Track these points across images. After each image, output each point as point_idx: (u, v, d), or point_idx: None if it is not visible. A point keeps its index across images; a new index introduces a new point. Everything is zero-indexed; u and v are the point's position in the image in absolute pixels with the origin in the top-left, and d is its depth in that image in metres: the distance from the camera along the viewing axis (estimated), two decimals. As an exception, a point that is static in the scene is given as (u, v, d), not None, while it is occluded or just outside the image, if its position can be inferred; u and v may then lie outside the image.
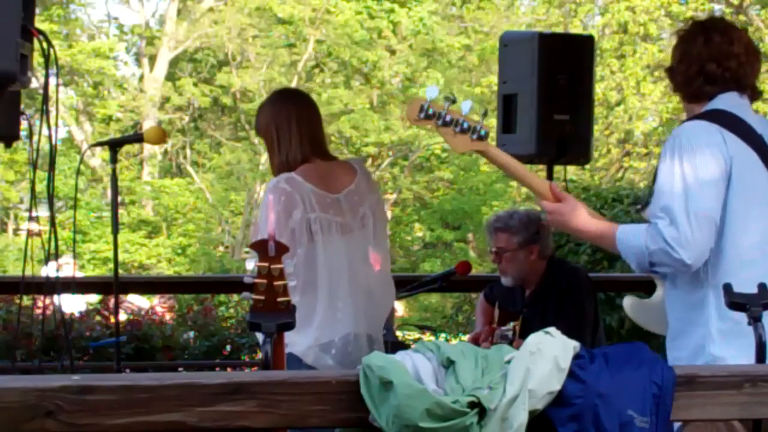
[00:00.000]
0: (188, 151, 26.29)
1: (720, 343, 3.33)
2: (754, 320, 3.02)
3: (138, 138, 5.02)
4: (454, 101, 3.35)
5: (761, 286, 3.13)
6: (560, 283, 5.20)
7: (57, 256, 3.87)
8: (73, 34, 26.40)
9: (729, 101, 3.51)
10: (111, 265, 4.83)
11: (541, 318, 4.98)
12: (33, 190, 3.91)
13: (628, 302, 3.72)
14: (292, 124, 4.29)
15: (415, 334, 8.49)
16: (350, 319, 4.16)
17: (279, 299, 2.72)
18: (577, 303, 5.13)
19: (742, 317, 2.98)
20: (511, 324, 5.21)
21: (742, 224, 3.38)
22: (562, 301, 5.12)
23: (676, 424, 3.08)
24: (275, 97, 4.50)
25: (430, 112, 3.31)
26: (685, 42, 3.58)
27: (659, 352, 2.93)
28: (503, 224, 5.26)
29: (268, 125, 4.32)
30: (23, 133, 4.57)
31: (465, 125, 3.33)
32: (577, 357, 2.74)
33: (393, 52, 25.43)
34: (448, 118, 3.32)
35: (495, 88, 6.95)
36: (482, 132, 3.33)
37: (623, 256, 3.43)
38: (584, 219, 3.46)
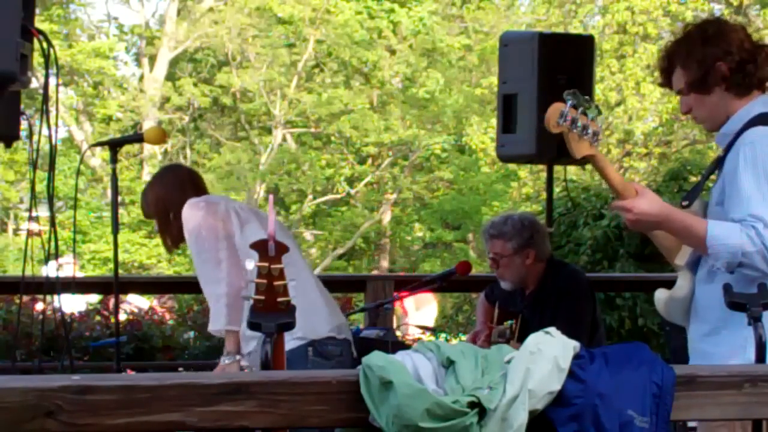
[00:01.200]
0: (188, 151, 26.29)
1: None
2: (754, 320, 3.03)
3: (138, 138, 5.03)
4: (589, 106, 3.37)
5: (761, 286, 3.13)
6: (558, 285, 5.20)
7: (57, 256, 3.88)
8: (73, 34, 26.39)
9: None
10: (111, 265, 4.83)
11: (539, 319, 4.99)
12: (33, 190, 3.91)
13: (662, 296, 3.69)
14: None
15: (415, 334, 8.48)
16: None
17: (279, 299, 2.72)
18: (574, 306, 5.13)
19: None
20: (509, 323, 5.22)
21: None
22: (559, 303, 5.12)
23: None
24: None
25: (569, 118, 3.33)
26: (727, 33, 3.57)
27: (659, 351, 2.93)
28: (497, 231, 5.26)
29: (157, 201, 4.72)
30: (23, 133, 4.57)
31: (589, 130, 3.36)
32: (577, 357, 2.74)
33: (393, 52, 25.43)
34: (580, 123, 3.35)
35: (495, 88, 6.95)
36: (599, 137, 3.38)
37: (712, 251, 3.39)
38: (668, 206, 3.46)
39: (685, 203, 3.61)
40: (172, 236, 4.66)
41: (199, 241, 4.48)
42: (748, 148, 3.42)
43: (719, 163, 3.57)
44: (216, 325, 4.51)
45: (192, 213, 4.51)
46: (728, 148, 3.52)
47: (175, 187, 4.67)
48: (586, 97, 3.39)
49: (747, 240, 3.33)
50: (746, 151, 3.42)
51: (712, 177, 3.67)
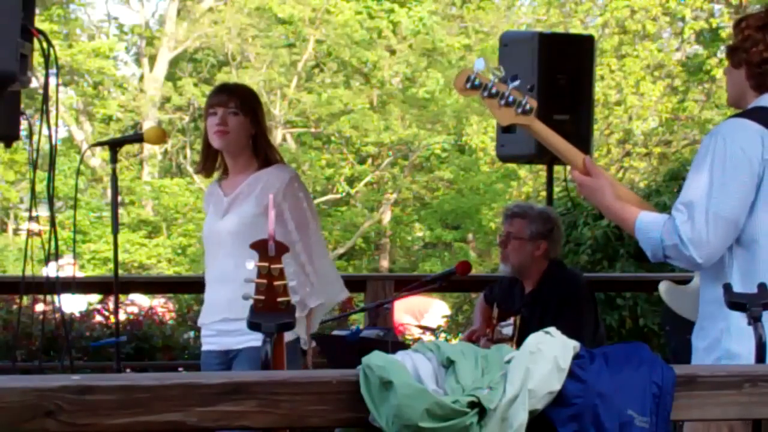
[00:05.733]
0: (188, 151, 26.25)
1: (737, 338, 3.34)
2: (754, 320, 3.03)
3: (138, 138, 5.03)
4: (501, 75, 3.40)
5: (761, 285, 3.13)
6: (559, 288, 5.20)
7: (57, 256, 3.88)
8: (73, 34, 26.38)
9: None
10: (111, 265, 4.83)
11: (539, 320, 4.99)
12: (33, 190, 3.91)
13: (664, 287, 3.70)
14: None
15: (415, 334, 8.48)
16: None
17: (279, 299, 2.72)
18: (577, 312, 5.13)
19: None
20: (511, 319, 5.21)
21: None
22: (561, 309, 5.11)
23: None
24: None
25: (477, 83, 3.37)
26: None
27: (659, 351, 2.93)
28: (522, 210, 5.27)
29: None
30: (23, 133, 4.58)
31: (510, 99, 3.39)
32: (577, 357, 2.74)
33: (393, 52, 25.42)
34: (494, 90, 3.38)
35: (495, 88, 6.94)
36: (527, 107, 3.40)
37: (640, 243, 3.45)
38: (609, 199, 3.48)
39: None
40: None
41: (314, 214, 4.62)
42: (710, 136, 3.44)
43: None
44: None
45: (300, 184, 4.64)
46: None
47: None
48: (498, 66, 3.45)
49: (666, 233, 3.35)
50: (705, 140, 3.44)
51: None
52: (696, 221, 3.32)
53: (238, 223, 4.53)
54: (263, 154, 4.63)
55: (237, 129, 4.58)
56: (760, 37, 3.51)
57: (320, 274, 4.56)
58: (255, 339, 4.09)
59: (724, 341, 3.39)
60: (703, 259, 3.33)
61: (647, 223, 3.41)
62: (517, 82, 3.41)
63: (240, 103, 4.60)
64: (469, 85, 3.38)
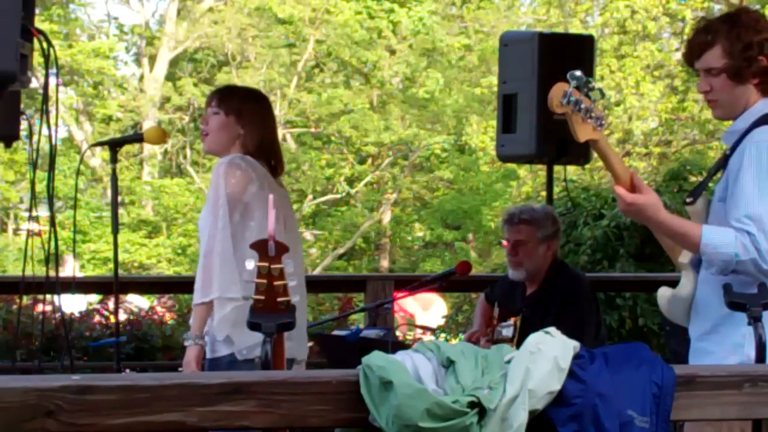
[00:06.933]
0: (188, 151, 26.26)
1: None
2: (754, 320, 3.03)
3: (138, 138, 5.02)
4: (592, 88, 3.32)
5: (761, 286, 3.13)
6: (561, 287, 5.19)
7: (57, 257, 3.87)
8: (73, 34, 26.39)
9: None
10: (111, 265, 4.83)
11: (540, 320, 4.98)
12: (33, 190, 3.91)
13: (666, 293, 3.68)
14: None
15: (416, 334, 8.48)
16: None
17: (279, 299, 2.72)
18: (579, 312, 5.12)
19: None
20: (511, 320, 5.21)
21: None
22: (564, 309, 5.11)
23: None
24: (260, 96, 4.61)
25: (572, 99, 3.27)
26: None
27: (659, 351, 2.93)
28: (529, 216, 5.23)
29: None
30: (23, 133, 4.58)
31: (593, 114, 3.30)
32: (577, 357, 2.74)
33: (393, 52, 25.42)
34: (583, 105, 3.29)
35: (495, 88, 6.96)
36: (603, 122, 3.33)
37: (706, 257, 3.40)
38: (666, 214, 3.43)
39: (689, 200, 3.61)
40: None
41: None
42: (754, 147, 3.41)
43: (725, 161, 3.54)
44: None
45: None
46: (735, 146, 3.51)
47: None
48: (590, 78, 3.34)
49: (741, 248, 3.33)
50: (752, 150, 3.41)
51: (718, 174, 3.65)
52: None
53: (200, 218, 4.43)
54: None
55: (216, 129, 4.38)
56: (762, 41, 3.49)
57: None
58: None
59: (746, 347, 3.36)
60: None
61: (716, 239, 3.36)
62: (597, 91, 3.35)
63: (219, 101, 4.40)
64: (565, 101, 3.26)
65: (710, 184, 3.73)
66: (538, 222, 5.22)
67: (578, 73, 3.31)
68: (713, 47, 3.52)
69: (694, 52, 3.58)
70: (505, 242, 5.34)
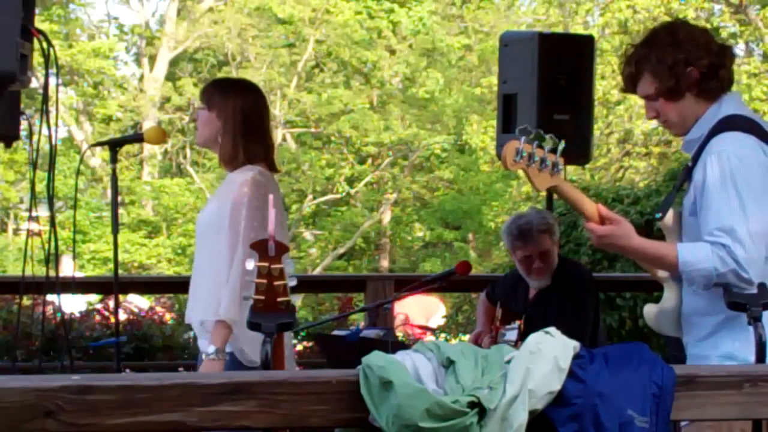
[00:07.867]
0: (188, 151, 26.26)
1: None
2: (754, 320, 3.03)
3: (138, 138, 5.02)
4: (543, 138, 3.37)
5: (761, 286, 3.13)
6: (565, 280, 5.21)
7: (57, 257, 3.87)
8: (73, 34, 26.40)
9: (737, 103, 3.54)
10: (111, 265, 4.82)
11: (543, 316, 4.99)
12: (33, 190, 3.91)
13: (653, 310, 3.69)
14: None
15: (415, 334, 8.48)
16: None
17: (279, 299, 2.72)
18: (579, 302, 5.14)
19: None
20: (516, 323, 5.20)
21: None
22: (564, 299, 5.12)
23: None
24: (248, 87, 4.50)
25: (524, 153, 3.30)
26: (696, 37, 3.55)
27: (659, 351, 2.93)
28: (546, 225, 5.22)
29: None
30: (23, 133, 4.57)
31: (548, 162, 3.34)
32: (577, 357, 2.74)
33: (393, 52, 25.43)
34: (537, 157, 3.33)
35: (495, 88, 6.95)
36: (559, 167, 3.35)
37: (686, 276, 3.41)
38: (640, 240, 3.44)
39: (658, 215, 3.61)
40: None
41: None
42: (715, 157, 3.41)
43: (688, 173, 3.54)
44: None
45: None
46: (696, 157, 3.51)
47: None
48: (539, 130, 3.39)
49: (718, 261, 3.33)
50: (713, 161, 3.41)
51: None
52: (744, 244, 3.31)
53: (202, 219, 4.37)
54: (236, 153, 4.25)
55: (202, 124, 4.34)
56: (684, 54, 3.49)
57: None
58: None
59: (746, 350, 3.35)
60: (756, 277, 3.32)
61: (692, 256, 3.37)
62: (549, 139, 3.38)
63: (202, 96, 4.38)
64: (518, 158, 3.29)
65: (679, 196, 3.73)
66: (551, 227, 5.24)
67: (526, 126, 3.38)
68: (642, 75, 3.57)
69: (627, 85, 3.65)
70: (520, 256, 5.25)
